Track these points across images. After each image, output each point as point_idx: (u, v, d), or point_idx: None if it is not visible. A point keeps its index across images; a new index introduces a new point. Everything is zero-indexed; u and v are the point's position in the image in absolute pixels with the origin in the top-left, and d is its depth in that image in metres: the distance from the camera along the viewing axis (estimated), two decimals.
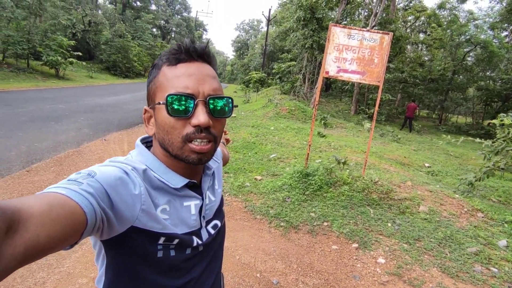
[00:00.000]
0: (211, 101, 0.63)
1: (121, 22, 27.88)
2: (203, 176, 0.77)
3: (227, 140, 1.32)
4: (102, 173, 0.57)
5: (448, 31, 18.92)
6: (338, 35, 4.16)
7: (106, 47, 24.63)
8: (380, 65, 4.17)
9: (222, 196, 0.89)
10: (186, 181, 0.69)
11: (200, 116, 0.61)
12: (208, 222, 0.77)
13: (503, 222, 3.76)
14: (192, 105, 0.61)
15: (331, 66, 4.25)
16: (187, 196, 0.71)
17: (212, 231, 0.78)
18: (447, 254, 3.09)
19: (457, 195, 4.40)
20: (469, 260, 3.02)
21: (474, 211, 3.97)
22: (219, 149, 0.98)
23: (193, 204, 0.71)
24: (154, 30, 42.99)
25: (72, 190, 0.49)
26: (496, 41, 18.20)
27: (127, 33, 25.99)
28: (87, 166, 4.64)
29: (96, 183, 0.54)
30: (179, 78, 0.63)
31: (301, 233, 3.34)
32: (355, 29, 4.17)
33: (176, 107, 0.61)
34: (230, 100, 0.66)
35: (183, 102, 0.61)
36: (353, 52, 4.18)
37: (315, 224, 3.50)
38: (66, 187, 0.50)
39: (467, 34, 18.05)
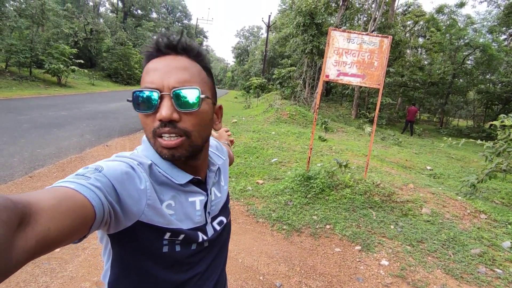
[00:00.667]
0: (176, 94, 0.61)
1: (123, 30, 28.16)
2: (208, 172, 0.77)
3: (231, 142, 1.34)
4: (109, 168, 0.58)
5: (447, 35, 19.04)
6: (337, 39, 4.20)
7: (107, 54, 24.83)
8: (380, 68, 4.20)
9: (228, 193, 0.89)
10: (190, 177, 0.69)
11: (162, 110, 0.60)
12: (214, 218, 0.78)
13: (507, 223, 3.74)
14: (156, 99, 0.61)
15: (331, 70, 4.28)
16: (192, 192, 0.71)
17: (218, 227, 0.79)
18: (450, 256, 3.07)
19: (459, 197, 4.39)
20: (473, 261, 3.00)
21: (477, 213, 3.95)
22: (223, 146, 0.99)
23: (198, 200, 0.72)
24: (155, 37, 43.26)
25: (80, 185, 0.50)
26: (495, 45, 18.29)
27: (128, 41, 26.21)
28: None
29: (104, 177, 0.55)
30: (148, 74, 0.63)
31: (304, 236, 3.33)
32: (354, 32, 4.21)
33: (140, 102, 0.62)
34: (196, 91, 0.62)
35: (147, 97, 0.61)
36: (352, 56, 4.22)
37: (317, 227, 3.49)
38: (74, 181, 0.51)
39: (466, 38, 18.16)
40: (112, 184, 0.55)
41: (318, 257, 2.98)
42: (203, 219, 0.73)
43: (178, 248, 0.67)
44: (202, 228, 0.73)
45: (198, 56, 0.67)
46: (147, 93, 0.61)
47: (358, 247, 3.16)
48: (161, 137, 0.62)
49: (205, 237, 0.73)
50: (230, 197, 3.61)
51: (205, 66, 0.68)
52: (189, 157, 0.66)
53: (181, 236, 0.66)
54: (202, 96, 0.63)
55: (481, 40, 18.07)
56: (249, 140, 7.35)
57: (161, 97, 0.61)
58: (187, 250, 0.69)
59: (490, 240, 3.37)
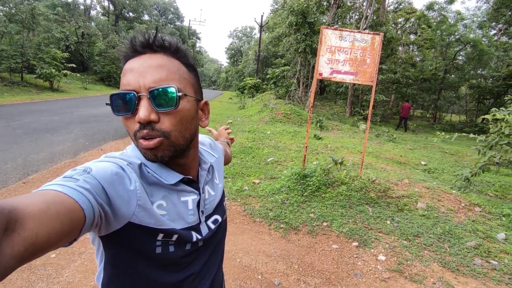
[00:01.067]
0: (153, 94, 0.59)
1: (114, 33, 27.97)
2: (199, 171, 0.76)
3: (231, 139, 1.33)
4: (98, 169, 0.57)
5: (437, 31, 19.23)
6: (330, 37, 4.22)
7: (100, 58, 24.65)
8: (373, 65, 4.22)
9: (223, 191, 0.88)
10: (180, 177, 0.68)
11: (140, 112, 0.58)
12: (208, 217, 0.77)
13: (501, 215, 3.79)
14: (133, 101, 0.59)
15: (324, 68, 4.30)
16: (184, 191, 0.70)
17: (213, 226, 0.78)
18: (446, 249, 3.11)
19: (454, 191, 4.44)
20: (469, 254, 3.04)
21: (471, 206, 4.00)
22: (218, 144, 0.99)
23: (190, 199, 0.71)
24: None
25: (69, 187, 0.49)
26: (485, 40, 18.52)
27: (120, 44, 26.01)
28: None
29: (93, 179, 0.54)
30: (124, 75, 0.61)
31: (301, 234, 3.34)
32: (346, 30, 4.23)
33: (118, 105, 0.61)
34: (173, 90, 0.59)
35: (124, 99, 0.60)
36: (345, 54, 4.24)
37: (314, 224, 3.51)
38: (62, 184, 0.50)
39: (456, 34, 18.37)
40: (102, 186, 0.54)
41: (316, 254, 2.99)
42: (196, 218, 0.72)
43: (172, 248, 0.66)
44: (196, 228, 0.72)
45: (177, 52, 0.65)
46: (124, 95, 0.60)
47: (355, 243, 3.18)
48: (142, 138, 0.61)
49: (199, 237, 0.72)
50: (226, 197, 3.59)
51: (186, 62, 0.66)
52: (173, 156, 0.64)
53: (175, 237, 0.65)
54: (180, 94, 0.60)
55: (471, 35, 18.29)
56: (245, 140, 7.35)
57: (138, 98, 0.59)
58: (181, 250, 0.68)
59: (485, 232, 3.41)
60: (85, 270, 2.51)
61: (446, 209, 3.91)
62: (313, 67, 16.63)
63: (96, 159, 0.63)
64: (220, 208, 0.83)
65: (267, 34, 33.13)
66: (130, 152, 0.69)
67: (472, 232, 3.41)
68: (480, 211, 3.90)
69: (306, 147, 4.58)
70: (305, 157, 4.62)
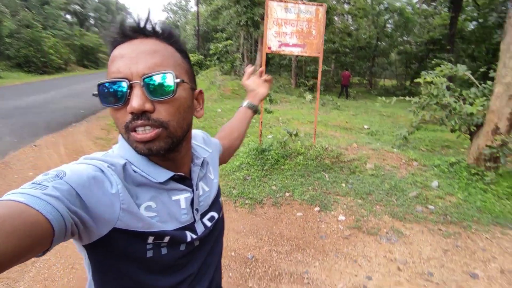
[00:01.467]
0: (147, 81, 0.54)
1: (26, 9, 24.06)
2: (192, 167, 0.72)
3: (269, 81, 1.19)
4: (73, 173, 0.51)
5: (368, 0, 20.29)
6: (275, 9, 4.18)
7: (12, 40, 21.12)
8: (318, 36, 4.33)
9: (219, 186, 0.84)
10: (170, 174, 0.63)
11: (133, 101, 0.53)
12: (203, 215, 0.73)
13: (433, 166, 4.35)
14: (125, 90, 0.54)
15: (272, 41, 4.28)
16: (175, 190, 0.66)
17: (209, 224, 0.74)
18: (394, 202, 3.50)
19: (395, 150, 4.94)
20: (412, 203, 3.47)
21: (410, 161, 4.51)
22: (213, 138, 0.93)
23: (182, 198, 0.67)
24: (69, 16, 38.20)
25: (32, 196, 0.44)
26: (409, 8, 20.11)
27: (35, 22, 22.58)
28: (20, 177, 4.03)
29: (65, 184, 0.48)
30: (113, 62, 0.56)
31: (266, 207, 3.46)
32: (291, 2, 4.22)
33: (107, 95, 0.55)
34: (170, 76, 0.55)
35: (114, 89, 0.55)
36: (292, 26, 4.26)
37: (277, 196, 3.64)
38: (26, 193, 0.45)
39: (385, 2, 19.60)
40: (76, 191, 0.49)
41: (282, 224, 3.14)
42: (190, 217, 0.68)
43: (164, 251, 0.62)
44: (191, 227, 0.68)
45: (170, 37, 0.60)
46: (114, 84, 0.54)
47: (317, 208, 3.40)
48: (135, 131, 0.55)
49: (194, 236, 0.68)
50: None
51: (179, 48, 0.62)
52: (169, 149, 0.59)
53: (166, 238, 0.62)
54: (177, 80, 0.56)
55: (397, 4, 19.68)
56: (195, 120, 7.14)
57: (130, 87, 0.54)
58: (175, 252, 0.64)
59: (422, 182, 3.90)
60: (44, 278, 2.30)
61: (391, 166, 4.35)
62: (256, 40, 16.50)
63: (74, 161, 0.57)
64: (216, 204, 0.79)
65: (205, 7, 31.56)
66: (116, 151, 0.63)
67: (412, 184, 3.87)
68: (417, 165, 4.43)
69: (261, 122, 4.63)
70: (261, 132, 4.68)
